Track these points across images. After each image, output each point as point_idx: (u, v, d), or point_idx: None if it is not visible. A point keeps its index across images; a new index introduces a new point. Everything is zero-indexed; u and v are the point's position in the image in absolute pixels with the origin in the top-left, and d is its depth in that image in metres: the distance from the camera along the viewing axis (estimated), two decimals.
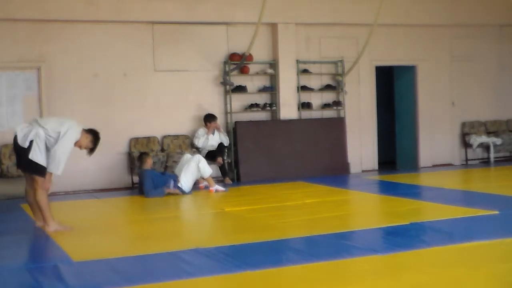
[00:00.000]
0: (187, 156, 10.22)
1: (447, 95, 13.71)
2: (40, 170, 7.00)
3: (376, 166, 13.11)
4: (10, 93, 10.60)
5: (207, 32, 11.85)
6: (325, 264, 5.21)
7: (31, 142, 6.93)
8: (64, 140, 6.98)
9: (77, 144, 7.20)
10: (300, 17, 12.29)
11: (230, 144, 11.76)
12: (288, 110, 12.24)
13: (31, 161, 6.96)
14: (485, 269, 4.91)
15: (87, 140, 7.27)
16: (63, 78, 10.92)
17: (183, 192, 9.78)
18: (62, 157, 6.98)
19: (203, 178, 10.12)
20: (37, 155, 6.95)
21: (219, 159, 11.19)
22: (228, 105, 11.93)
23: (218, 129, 11.48)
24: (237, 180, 11.73)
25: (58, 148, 6.96)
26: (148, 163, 10.02)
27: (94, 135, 7.33)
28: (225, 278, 4.92)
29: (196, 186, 10.29)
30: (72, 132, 7.07)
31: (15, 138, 7.04)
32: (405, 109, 13.63)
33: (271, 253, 5.69)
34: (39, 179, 7.00)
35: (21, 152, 7.01)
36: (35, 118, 7.42)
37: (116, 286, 4.75)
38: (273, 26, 12.21)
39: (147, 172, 9.85)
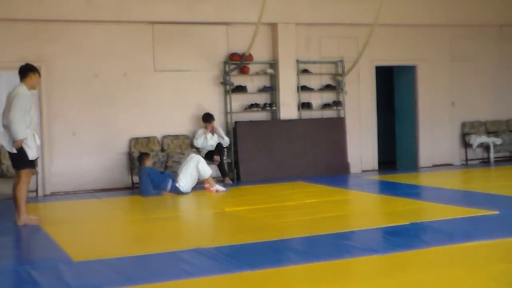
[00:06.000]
0: (190, 156, 10.22)
1: (447, 95, 13.69)
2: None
3: (376, 166, 13.10)
4: None
5: (207, 32, 11.85)
6: (325, 264, 5.21)
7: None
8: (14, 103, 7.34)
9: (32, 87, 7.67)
10: (300, 17, 12.29)
11: (230, 144, 11.75)
12: (288, 110, 12.23)
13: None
14: (485, 269, 4.91)
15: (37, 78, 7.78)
16: (63, 78, 10.92)
17: (182, 193, 9.77)
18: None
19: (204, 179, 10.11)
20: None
21: (216, 157, 11.15)
22: (228, 105, 11.93)
23: (215, 130, 11.43)
24: (237, 180, 11.72)
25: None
26: (147, 162, 10.01)
27: (36, 70, 7.79)
28: (225, 278, 4.93)
29: (201, 186, 10.27)
30: (18, 93, 7.42)
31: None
32: (405, 109, 13.62)
33: (271, 253, 5.69)
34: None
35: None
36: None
37: (116, 286, 4.76)
38: (273, 26, 12.21)
39: (145, 169, 9.85)
